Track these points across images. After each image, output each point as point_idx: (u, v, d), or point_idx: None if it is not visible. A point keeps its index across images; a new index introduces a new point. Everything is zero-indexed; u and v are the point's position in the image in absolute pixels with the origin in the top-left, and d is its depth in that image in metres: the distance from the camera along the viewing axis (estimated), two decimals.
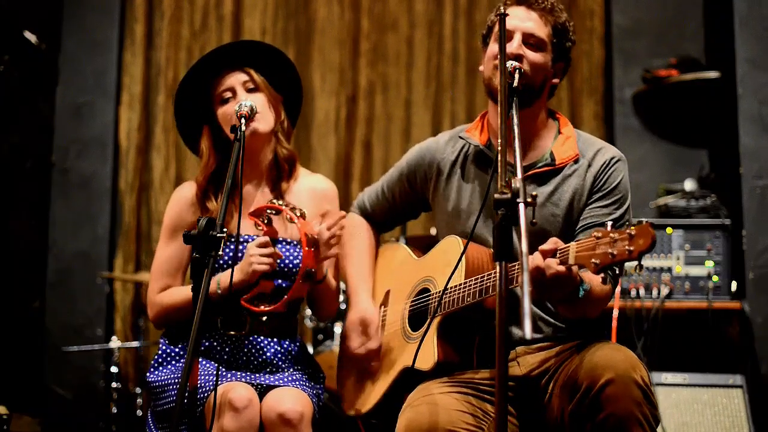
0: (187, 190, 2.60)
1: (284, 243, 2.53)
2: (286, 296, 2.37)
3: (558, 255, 1.89)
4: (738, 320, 3.69)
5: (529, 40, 2.23)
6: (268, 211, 2.45)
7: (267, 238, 2.39)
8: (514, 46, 2.21)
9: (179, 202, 2.59)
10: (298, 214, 2.42)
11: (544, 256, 1.89)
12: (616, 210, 2.22)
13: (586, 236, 1.89)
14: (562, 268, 1.86)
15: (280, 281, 2.50)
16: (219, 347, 2.46)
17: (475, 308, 2.16)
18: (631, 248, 1.73)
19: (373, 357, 2.41)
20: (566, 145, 2.29)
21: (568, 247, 1.88)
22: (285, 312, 2.47)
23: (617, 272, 2.13)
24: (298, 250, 2.55)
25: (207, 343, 2.46)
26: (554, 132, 2.34)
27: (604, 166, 2.25)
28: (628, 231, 1.75)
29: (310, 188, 2.63)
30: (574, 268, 1.87)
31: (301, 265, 2.34)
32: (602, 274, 1.81)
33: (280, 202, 2.47)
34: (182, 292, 2.48)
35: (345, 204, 2.73)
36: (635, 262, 1.76)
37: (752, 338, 3.64)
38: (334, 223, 2.36)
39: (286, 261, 2.50)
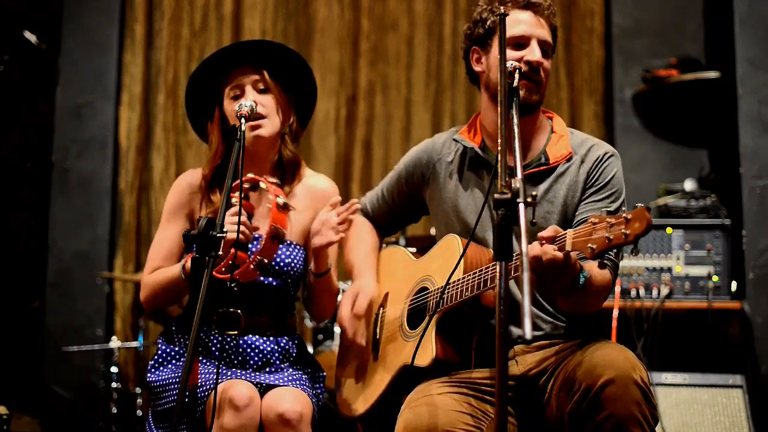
0: (191, 176, 2.60)
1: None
2: (253, 256, 2.27)
3: (555, 242, 1.89)
4: (738, 320, 3.68)
5: (543, 47, 2.24)
6: (246, 185, 2.39)
7: (237, 208, 2.27)
8: (536, 54, 2.20)
9: (181, 187, 2.59)
10: (273, 181, 2.37)
11: (542, 243, 1.89)
12: (611, 204, 2.22)
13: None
14: (559, 254, 1.86)
15: (271, 280, 2.50)
16: (213, 347, 2.46)
17: (473, 305, 2.16)
18: (627, 232, 1.74)
19: (356, 332, 2.42)
20: (559, 144, 2.29)
21: (566, 234, 1.88)
22: (256, 282, 2.38)
23: (615, 259, 2.14)
24: (295, 250, 2.55)
25: (201, 343, 2.45)
26: (548, 131, 2.34)
27: (597, 161, 2.26)
28: (624, 215, 1.76)
29: (309, 188, 2.64)
30: (573, 255, 1.87)
31: (269, 224, 2.27)
32: (600, 260, 1.81)
33: (260, 177, 2.41)
34: (165, 272, 2.47)
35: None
36: (631, 246, 1.76)
37: (752, 338, 3.64)
38: (346, 209, 2.40)
39: (281, 262, 2.50)
